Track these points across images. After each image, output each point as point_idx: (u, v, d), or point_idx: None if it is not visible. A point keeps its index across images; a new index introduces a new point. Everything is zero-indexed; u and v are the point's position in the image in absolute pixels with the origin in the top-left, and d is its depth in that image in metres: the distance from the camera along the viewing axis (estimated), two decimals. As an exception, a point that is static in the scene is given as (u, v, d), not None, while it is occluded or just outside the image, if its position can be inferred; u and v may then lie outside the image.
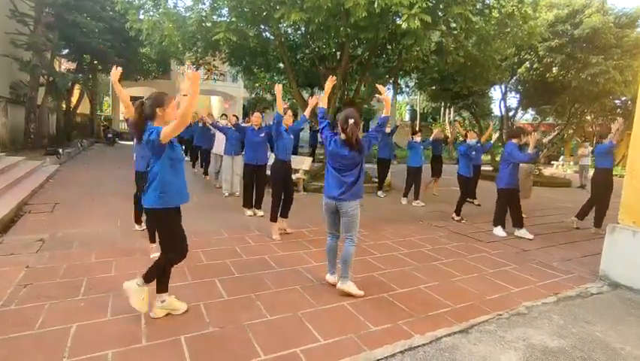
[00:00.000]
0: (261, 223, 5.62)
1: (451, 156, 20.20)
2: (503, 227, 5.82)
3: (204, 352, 2.39)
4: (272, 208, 5.00)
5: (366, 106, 23.17)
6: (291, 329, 2.72)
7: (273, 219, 4.99)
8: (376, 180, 9.38)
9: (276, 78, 14.04)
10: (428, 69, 11.52)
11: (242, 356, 2.37)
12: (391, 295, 3.39)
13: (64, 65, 20.95)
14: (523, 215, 6.17)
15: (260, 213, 6.11)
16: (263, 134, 5.84)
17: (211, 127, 8.33)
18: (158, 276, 2.80)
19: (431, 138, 8.70)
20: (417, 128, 9.24)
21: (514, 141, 5.83)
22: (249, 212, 6.14)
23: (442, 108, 30.65)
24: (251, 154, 5.90)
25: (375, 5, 5.73)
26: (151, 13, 8.55)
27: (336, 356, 2.42)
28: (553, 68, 12.65)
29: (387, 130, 8.71)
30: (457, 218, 6.62)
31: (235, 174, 7.69)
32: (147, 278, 2.71)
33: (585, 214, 6.62)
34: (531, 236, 5.62)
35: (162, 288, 2.83)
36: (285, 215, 5.17)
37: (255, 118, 6.08)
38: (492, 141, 7.41)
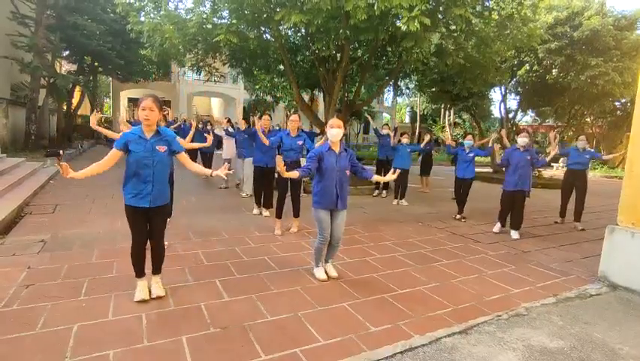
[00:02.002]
0: (261, 224, 5.64)
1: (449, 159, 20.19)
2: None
3: (205, 352, 2.41)
4: (277, 206, 5.34)
5: (366, 108, 23.21)
6: (292, 330, 2.73)
7: (278, 216, 5.30)
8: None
9: (276, 80, 14.07)
10: (428, 71, 11.55)
11: (243, 357, 2.38)
12: (391, 295, 3.41)
13: (65, 67, 21.02)
14: None
15: (266, 213, 6.22)
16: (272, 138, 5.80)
17: (221, 134, 8.63)
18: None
19: (422, 145, 8.80)
20: (396, 130, 9.36)
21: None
22: (255, 210, 6.29)
23: (442, 110, 30.70)
24: (260, 157, 6.03)
25: (375, 8, 5.76)
26: (152, 15, 8.57)
27: (337, 356, 2.44)
28: (553, 70, 12.70)
29: (385, 132, 8.79)
30: (458, 217, 6.74)
31: (247, 175, 7.86)
32: (136, 272, 3.11)
33: (579, 214, 6.87)
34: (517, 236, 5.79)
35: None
36: (295, 215, 5.40)
37: (264, 121, 6.08)
38: (491, 146, 7.41)
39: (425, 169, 9.95)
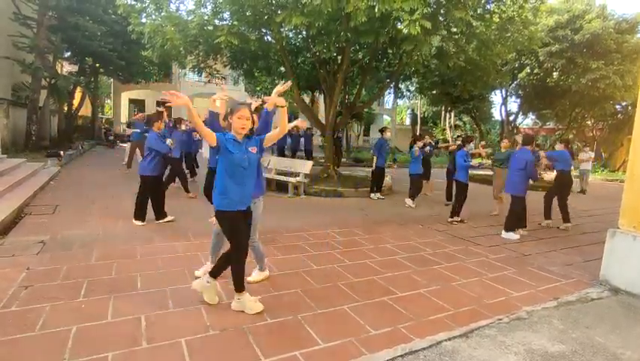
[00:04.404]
0: (261, 226, 5.62)
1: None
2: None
3: (204, 354, 2.40)
4: None
5: (366, 110, 23.22)
6: (291, 332, 2.72)
7: None
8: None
9: (277, 81, 14.07)
10: (429, 73, 11.58)
11: (242, 359, 2.37)
12: (392, 298, 3.39)
13: (67, 68, 21.05)
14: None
15: None
16: None
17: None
18: (220, 270, 3.08)
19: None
20: (417, 134, 9.28)
21: (529, 148, 5.91)
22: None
23: (443, 112, 30.74)
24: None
25: (376, 10, 5.77)
26: (153, 16, 8.59)
27: (336, 359, 2.43)
28: (554, 73, 12.73)
29: (388, 135, 8.82)
30: (457, 219, 6.65)
31: None
32: (214, 274, 3.04)
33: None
34: (517, 237, 5.78)
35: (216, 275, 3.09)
36: None
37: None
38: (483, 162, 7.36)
39: (426, 173, 9.83)
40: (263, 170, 3.56)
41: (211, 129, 2.99)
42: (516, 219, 5.87)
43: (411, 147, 8.67)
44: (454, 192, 7.07)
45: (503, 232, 5.89)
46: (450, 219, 6.67)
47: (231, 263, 2.99)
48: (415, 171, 8.17)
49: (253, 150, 2.96)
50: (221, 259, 3.11)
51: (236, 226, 2.93)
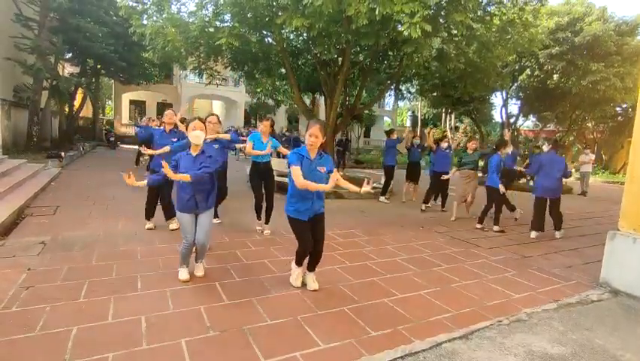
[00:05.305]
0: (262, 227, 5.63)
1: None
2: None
3: (204, 356, 2.40)
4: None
5: (367, 112, 23.23)
6: (291, 334, 2.72)
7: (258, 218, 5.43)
8: (379, 185, 9.38)
9: (277, 83, 14.10)
10: (429, 75, 11.59)
11: (242, 360, 2.37)
12: (392, 300, 3.40)
13: (68, 69, 21.10)
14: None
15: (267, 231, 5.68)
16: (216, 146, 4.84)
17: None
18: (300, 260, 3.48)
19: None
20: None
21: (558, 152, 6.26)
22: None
23: (443, 114, 30.78)
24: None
25: (377, 12, 5.78)
26: (154, 18, 8.61)
27: (337, 360, 2.43)
28: (554, 75, 12.75)
29: (394, 137, 8.77)
30: (496, 229, 6.39)
31: None
32: (297, 262, 3.47)
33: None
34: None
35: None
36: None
37: (211, 124, 4.88)
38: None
39: (414, 177, 9.09)
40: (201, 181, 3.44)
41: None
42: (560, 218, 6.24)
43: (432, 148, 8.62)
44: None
45: (557, 231, 6.26)
46: (496, 228, 6.42)
47: (297, 249, 3.42)
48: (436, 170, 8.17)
49: (322, 169, 3.16)
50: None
51: (301, 231, 3.29)
